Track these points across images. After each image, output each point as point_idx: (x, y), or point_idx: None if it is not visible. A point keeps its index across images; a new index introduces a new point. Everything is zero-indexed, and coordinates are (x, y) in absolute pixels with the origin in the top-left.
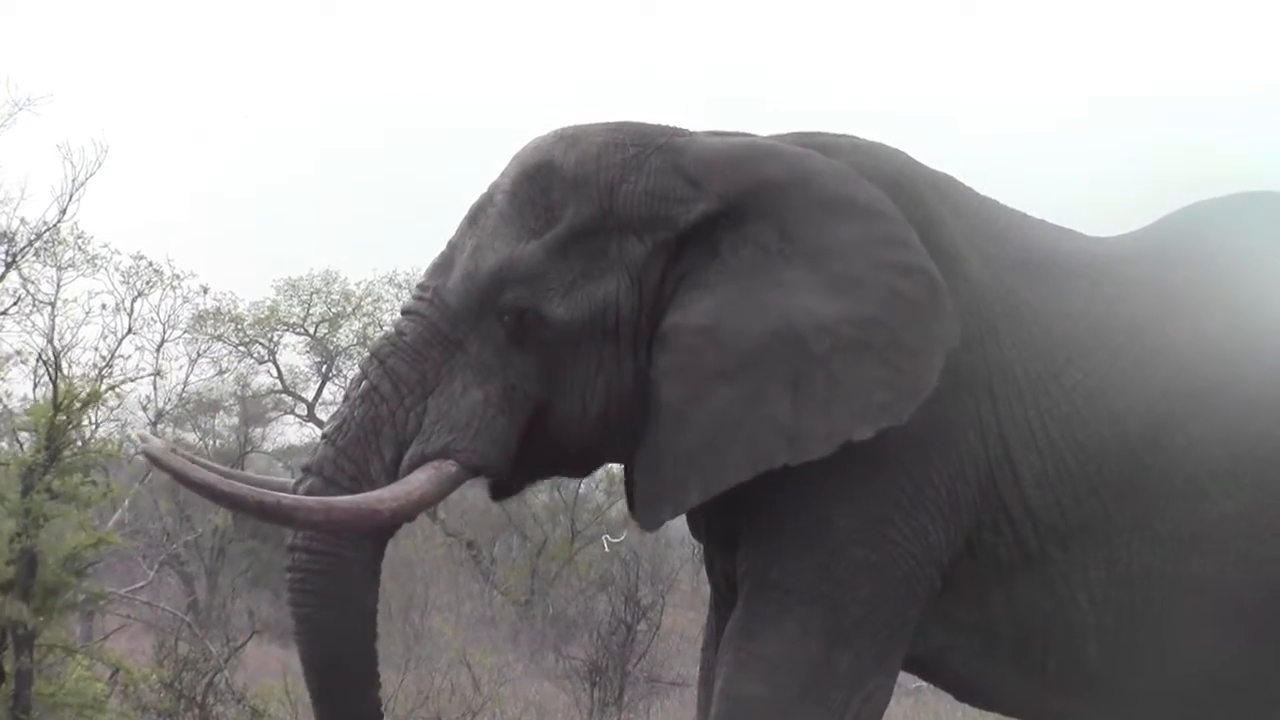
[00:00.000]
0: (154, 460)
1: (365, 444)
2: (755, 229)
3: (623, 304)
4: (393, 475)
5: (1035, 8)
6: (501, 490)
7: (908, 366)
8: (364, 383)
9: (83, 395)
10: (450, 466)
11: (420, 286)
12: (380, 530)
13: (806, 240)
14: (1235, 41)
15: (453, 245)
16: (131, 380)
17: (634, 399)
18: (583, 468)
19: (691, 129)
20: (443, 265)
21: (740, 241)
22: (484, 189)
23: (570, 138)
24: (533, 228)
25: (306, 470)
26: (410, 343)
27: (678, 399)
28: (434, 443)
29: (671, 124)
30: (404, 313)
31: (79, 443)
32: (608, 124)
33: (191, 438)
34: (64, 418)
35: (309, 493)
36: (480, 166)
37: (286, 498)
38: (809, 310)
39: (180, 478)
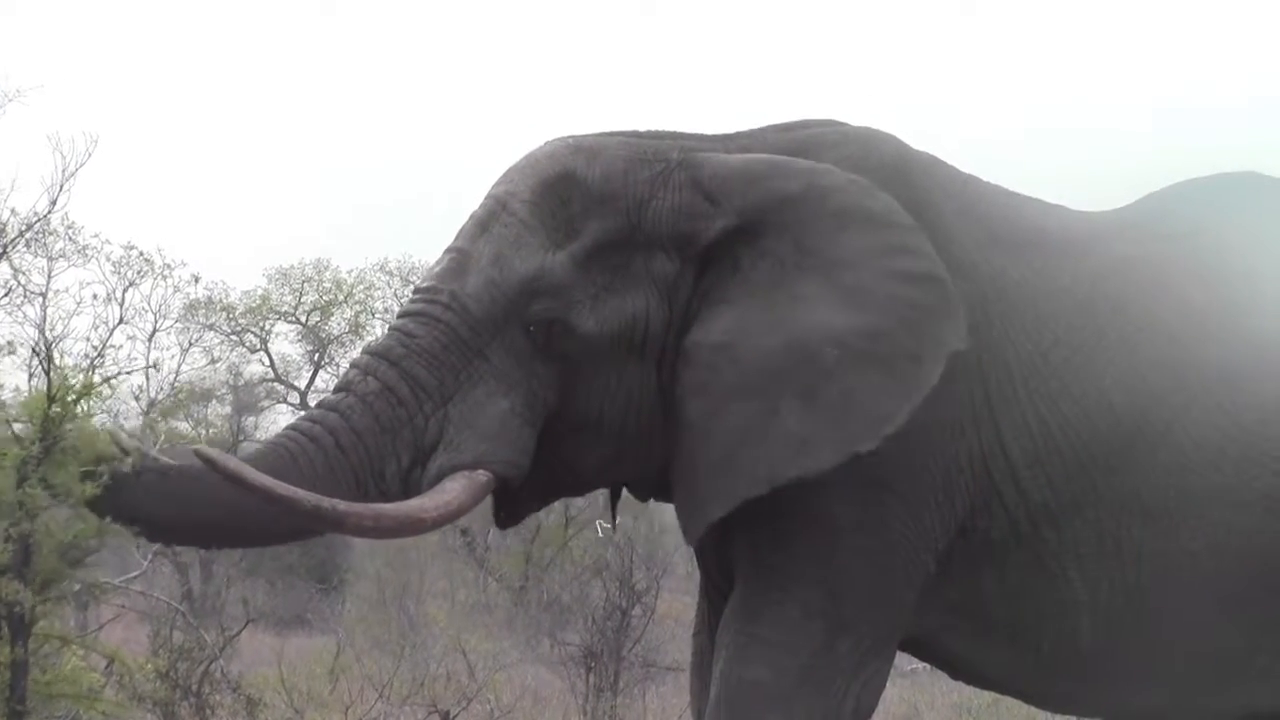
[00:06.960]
0: (210, 463)
1: (380, 443)
2: (772, 243)
3: (653, 319)
4: (406, 480)
5: (1035, 8)
6: (510, 518)
7: (912, 373)
8: (371, 379)
9: (76, 387)
10: (482, 476)
11: (428, 289)
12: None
13: (820, 252)
14: (1237, 45)
15: (462, 251)
16: (127, 373)
17: (654, 414)
18: (586, 485)
19: (693, 132)
20: (454, 270)
21: (758, 256)
22: (484, 194)
23: (589, 150)
24: (555, 239)
25: (312, 440)
26: (426, 346)
27: (699, 415)
28: (465, 453)
29: (672, 130)
30: (411, 314)
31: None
32: (619, 135)
33: (184, 427)
34: (58, 409)
35: None
36: (475, 160)
37: (340, 504)
38: (821, 323)
39: (238, 481)
